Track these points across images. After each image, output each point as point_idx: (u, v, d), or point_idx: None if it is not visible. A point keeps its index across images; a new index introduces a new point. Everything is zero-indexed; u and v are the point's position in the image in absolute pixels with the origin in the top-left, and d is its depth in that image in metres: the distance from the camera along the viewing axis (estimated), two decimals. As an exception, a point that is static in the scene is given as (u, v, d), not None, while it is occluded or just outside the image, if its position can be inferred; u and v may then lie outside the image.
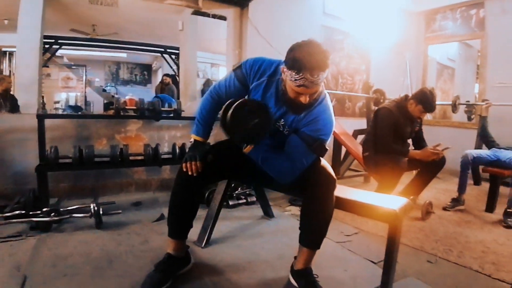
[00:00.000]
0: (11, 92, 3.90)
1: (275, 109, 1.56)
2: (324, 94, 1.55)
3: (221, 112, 1.52)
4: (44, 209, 2.22)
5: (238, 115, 1.42)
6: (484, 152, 3.12)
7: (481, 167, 3.30)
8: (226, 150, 1.77)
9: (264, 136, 1.49)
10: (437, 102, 2.73)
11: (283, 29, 3.83)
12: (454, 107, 3.27)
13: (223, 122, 1.47)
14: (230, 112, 1.42)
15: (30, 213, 2.20)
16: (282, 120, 1.57)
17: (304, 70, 1.32)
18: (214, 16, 3.63)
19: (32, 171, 2.52)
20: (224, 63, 5.33)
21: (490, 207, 3.00)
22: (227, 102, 1.51)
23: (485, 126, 3.35)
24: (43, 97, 4.17)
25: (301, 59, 1.32)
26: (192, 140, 1.70)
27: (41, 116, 2.62)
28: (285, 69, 1.40)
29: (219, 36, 4.15)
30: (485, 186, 3.30)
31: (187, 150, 1.70)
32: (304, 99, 1.41)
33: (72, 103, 9.00)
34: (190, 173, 1.56)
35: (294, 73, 1.34)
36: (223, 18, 3.71)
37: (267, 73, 1.56)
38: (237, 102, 1.44)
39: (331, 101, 1.60)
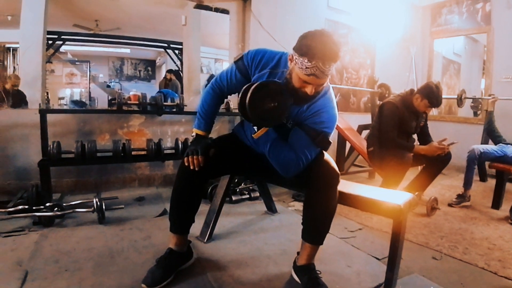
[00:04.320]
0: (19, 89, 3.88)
1: None
2: (328, 86, 1.50)
3: (240, 93, 1.43)
4: (47, 204, 2.23)
5: (257, 96, 1.35)
6: (491, 147, 3.07)
7: (487, 163, 3.26)
8: (229, 144, 1.76)
9: (279, 121, 1.43)
10: (443, 96, 2.67)
11: (287, 23, 3.79)
12: (460, 101, 3.23)
13: (241, 101, 1.39)
14: (250, 91, 1.35)
15: (33, 208, 2.21)
16: None
17: (317, 58, 1.26)
18: (216, 10, 3.60)
19: (35, 166, 2.53)
20: (227, 59, 5.31)
21: (496, 204, 2.96)
22: (248, 84, 1.42)
23: (492, 121, 3.30)
24: (47, 93, 4.18)
25: (314, 47, 1.26)
26: (193, 134, 1.68)
27: (43, 111, 2.62)
28: (295, 56, 1.32)
29: (223, 31, 4.12)
30: (491, 182, 3.26)
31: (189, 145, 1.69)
32: (310, 90, 1.35)
33: (76, 99, 9.03)
34: (192, 167, 1.53)
35: (305, 61, 1.28)
36: (225, 11, 3.68)
37: (269, 65, 1.52)
38: (259, 82, 1.37)
39: (336, 96, 1.56)
